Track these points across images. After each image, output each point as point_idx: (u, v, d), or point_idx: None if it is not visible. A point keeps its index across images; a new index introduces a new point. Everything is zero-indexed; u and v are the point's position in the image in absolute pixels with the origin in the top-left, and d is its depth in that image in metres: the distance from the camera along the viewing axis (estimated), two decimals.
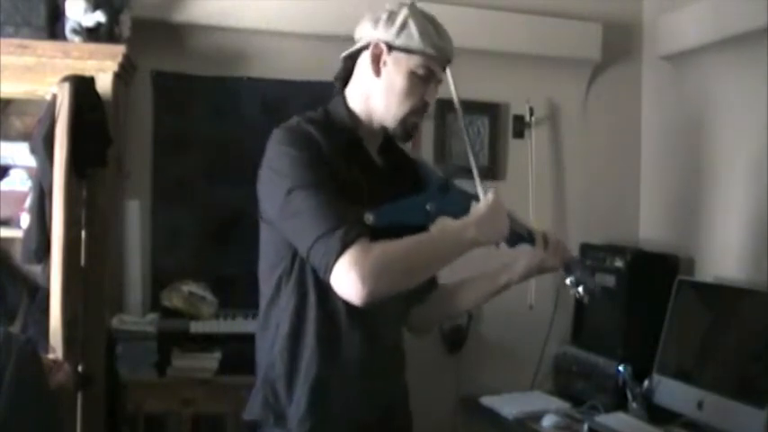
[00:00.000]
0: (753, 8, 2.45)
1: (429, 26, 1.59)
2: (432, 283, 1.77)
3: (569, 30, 3.00)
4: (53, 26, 2.31)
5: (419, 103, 1.60)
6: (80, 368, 2.25)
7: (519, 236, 1.68)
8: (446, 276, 1.77)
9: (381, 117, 1.61)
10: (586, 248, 2.89)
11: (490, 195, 1.59)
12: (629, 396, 2.53)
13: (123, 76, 2.45)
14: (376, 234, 1.44)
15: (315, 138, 1.52)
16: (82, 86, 2.19)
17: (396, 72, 1.58)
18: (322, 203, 1.44)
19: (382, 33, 1.58)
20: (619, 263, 2.73)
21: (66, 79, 2.17)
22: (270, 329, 1.59)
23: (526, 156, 3.04)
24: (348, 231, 1.40)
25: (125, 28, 2.39)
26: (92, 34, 2.31)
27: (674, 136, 3.05)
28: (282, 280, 1.56)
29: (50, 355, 2.06)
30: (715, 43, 2.68)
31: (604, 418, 2.46)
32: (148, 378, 2.42)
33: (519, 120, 3.06)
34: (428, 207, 1.55)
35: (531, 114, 3.04)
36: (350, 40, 2.95)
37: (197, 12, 2.62)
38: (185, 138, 2.74)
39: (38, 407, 1.76)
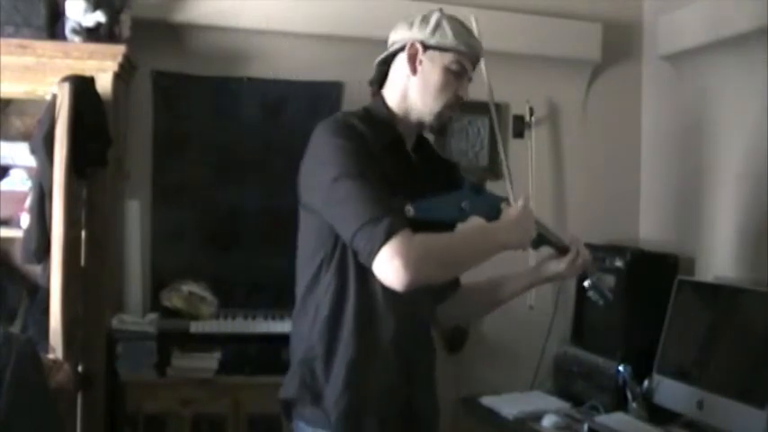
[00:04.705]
0: (752, 8, 2.45)
1: (460, 27, 1.71)
2: (455, 283, 1.86)
3: (569, 30, 3.00)
4: (53, 26, 2.31)
5: (453, 97, 1.70)
6: (80, 368, 2.25)
7: (545, 240, 1.77)
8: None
9: (419, 112, 1.70)
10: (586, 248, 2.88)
11: (521, 202, 1.69)
12: (629, 396, 2.52)
13: (123, 76, 2.45)
14: (411, 226, 1.53)
15: (359, 130, 1.61)
16: (82, 86, 2.19)
17: (431, 69, 1.68)
18: (367, 192, 1.51)
19: (417, 34, 1.69)
20: (619, 263, 2.73)
21: (66, 79, 2.17)
22: (308, 313, 1.64)
23: (526, 156, 3.04)
24: (393, 221, 1.48)
25: (125, 28, 2.39)
26: (92, 34, 2.31)
27: (674, 136, 3.05)
28: (323, 264, 1.62)
29: (50, 355, 2.06)
30: (715, 43, 2.67)
31: (604, 419, 2.46)
32: (148, 378, 2.43)
33: (519, 120, 3.07)
34: (463, 205, 1.63)
35: (531, 114, 3.04)
36: (350, 40, 2.96)
37: (197, 12, 2.63)
38: (185, 138, 2.75)
39: (38, 407, 1.75)
